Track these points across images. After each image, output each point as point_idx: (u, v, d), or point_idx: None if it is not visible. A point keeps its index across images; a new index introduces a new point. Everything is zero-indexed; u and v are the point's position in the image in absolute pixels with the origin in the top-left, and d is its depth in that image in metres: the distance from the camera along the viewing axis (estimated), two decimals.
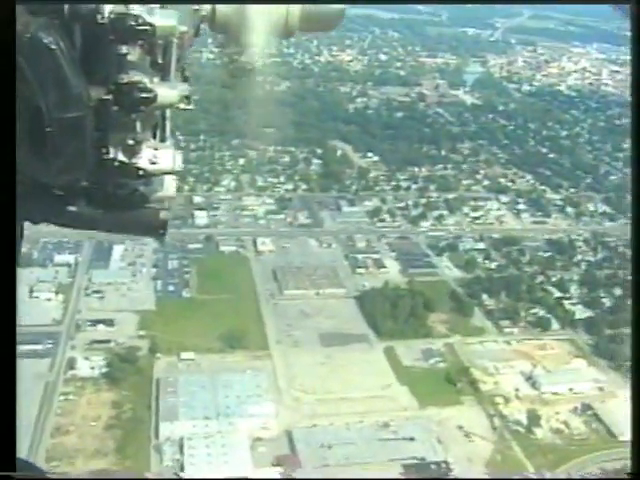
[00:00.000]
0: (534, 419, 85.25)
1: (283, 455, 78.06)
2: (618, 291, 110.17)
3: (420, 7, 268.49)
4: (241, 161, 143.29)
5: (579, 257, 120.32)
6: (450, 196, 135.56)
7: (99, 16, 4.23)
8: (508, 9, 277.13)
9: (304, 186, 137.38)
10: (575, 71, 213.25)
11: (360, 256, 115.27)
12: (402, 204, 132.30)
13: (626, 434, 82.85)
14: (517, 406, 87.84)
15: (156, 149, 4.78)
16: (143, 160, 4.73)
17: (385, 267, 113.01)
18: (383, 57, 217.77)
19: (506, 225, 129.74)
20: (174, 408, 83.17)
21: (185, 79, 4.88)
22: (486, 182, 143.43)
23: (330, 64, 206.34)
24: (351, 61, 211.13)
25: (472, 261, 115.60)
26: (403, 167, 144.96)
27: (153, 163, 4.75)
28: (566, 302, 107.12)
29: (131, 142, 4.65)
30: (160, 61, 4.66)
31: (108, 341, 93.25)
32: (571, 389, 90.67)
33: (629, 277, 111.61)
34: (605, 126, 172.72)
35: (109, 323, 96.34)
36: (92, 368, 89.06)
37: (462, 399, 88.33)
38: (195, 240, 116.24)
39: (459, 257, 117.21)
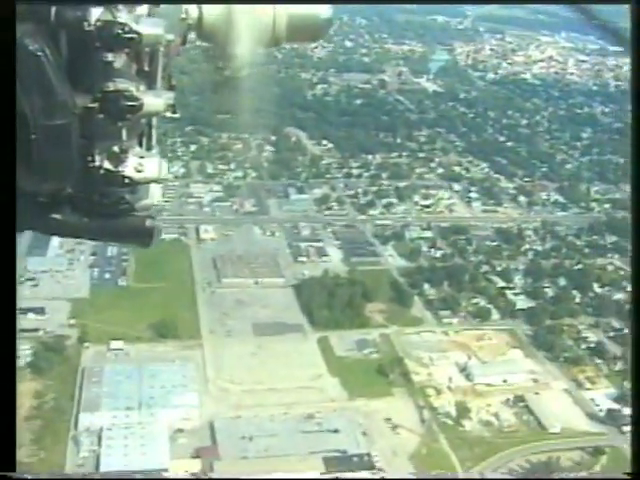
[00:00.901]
0: (464, 411, 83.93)
1: (202, 447, 76.59)
2: (562, 281, 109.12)
3: None
4: (192, 147, 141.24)
5: (527, 246, 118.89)
6: (401, 184, 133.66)
7: (85, 23, 4.20)
8: None
9: (254, 174, 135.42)
10: (541, 60, 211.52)
11: (303, 244, 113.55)
12: (352, 192, 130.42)
13: (557, 426, 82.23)
14: (448, 398, 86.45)
15: (142, 157, 4.74)
16: (129, 168, 4.69)
17: (327, 255, 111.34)
18: (349, 44, 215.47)
19: (456, 214, 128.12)
20: (97, 398, 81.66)
21: (171, 87, 4.86)
22: (440, 170, 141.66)
23: (294, 50, 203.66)
24: (316, 48, 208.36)
25: (417, 250, 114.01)
26: (357, 154, 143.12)
27: (139, 171, 4.72)
28: (509, 292, 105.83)
29: (117, 150, 4.63)
30: (146, 69, 4.62)
31: (37, 330, 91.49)
32: (505, 380, 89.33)
33: (575, 267, 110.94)
34: (565, 115, 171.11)
35: (40, 311, 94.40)
36: (17, 357, 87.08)
37: (393, 390, 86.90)
38: None
39: (404, 246, 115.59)
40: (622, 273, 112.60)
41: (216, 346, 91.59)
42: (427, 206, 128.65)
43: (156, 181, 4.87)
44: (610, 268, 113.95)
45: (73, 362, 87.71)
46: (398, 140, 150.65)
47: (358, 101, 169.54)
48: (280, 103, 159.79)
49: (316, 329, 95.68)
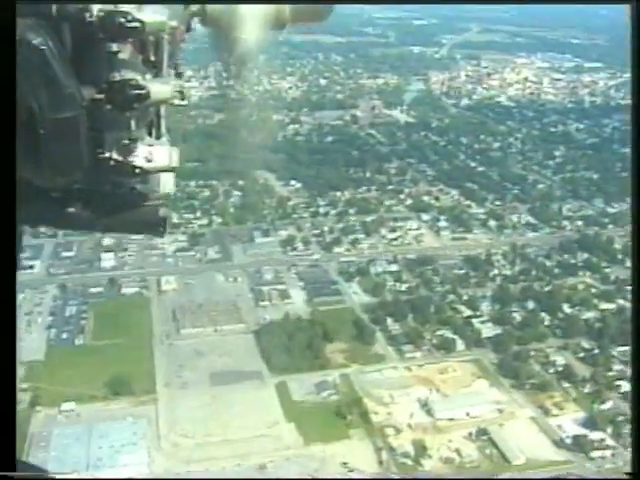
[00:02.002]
0: (423, 449, 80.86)
1: None
2: (531, 304, 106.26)
3: (368, 29, 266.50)
4: None
5: (495, 272, 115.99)
6: (369, 219, 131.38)
7: (87, 15, 4.16)
8: (456, 25, 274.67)
9: (219, 220, 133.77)
10: (517, 82, 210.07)
11: (265, 288, 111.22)
12: (318, 231, 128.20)
13: (521, 457, 79.21)
14: (408, 436, 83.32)
15: (152, 146, 4.73)
16: (139, 158, 4.67)
17: (290, 298, 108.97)
18: (323, 82, 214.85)
19: (424, 244, 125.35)
20: (43, 464, 78.85)
21: (179, 75, 4.83)
22: (409, 201, 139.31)
23: (268, 92, 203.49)
24: (290, 88, 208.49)
25: (382, 285, 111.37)
26: (325, 192, 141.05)
27: (149, 161, 4.70)
28: (475, 320, 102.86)
29: (126, 141, 4.61)
30: (152, 58, 4.59)
31: None
32: (468, 413, 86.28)
33: (545, 289, 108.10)
34: (539, 134, 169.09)
35: None
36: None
37: (351, 433, 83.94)
38: (97, 284, 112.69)
39: (369, 281, 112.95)
40: (593, 291, 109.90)
41: (170, 400, 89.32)
42: (394, 239, 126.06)
43: (167, 170, 4.80)
44: (581, 287, 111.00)
45: (22, 428, 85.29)
46: (367, 174, 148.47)
47: (329, 138, 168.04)
48: (250, 147, 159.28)
49: (275, 374, 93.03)
